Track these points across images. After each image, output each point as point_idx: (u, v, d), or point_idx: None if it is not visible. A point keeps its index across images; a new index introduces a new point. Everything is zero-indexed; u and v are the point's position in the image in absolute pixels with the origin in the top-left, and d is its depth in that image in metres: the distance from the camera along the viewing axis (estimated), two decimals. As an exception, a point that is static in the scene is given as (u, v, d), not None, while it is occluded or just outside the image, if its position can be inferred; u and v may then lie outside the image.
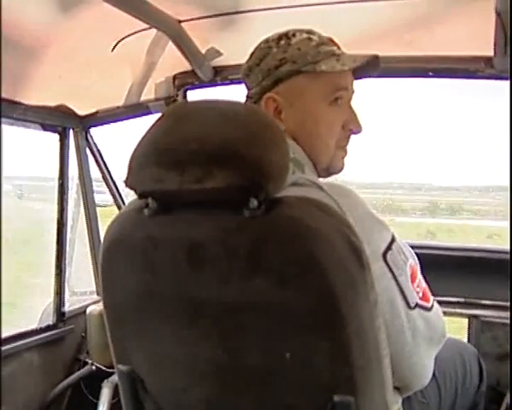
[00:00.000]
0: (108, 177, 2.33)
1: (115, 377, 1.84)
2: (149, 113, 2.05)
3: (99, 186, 2.31)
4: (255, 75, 1.15)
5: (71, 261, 2.25)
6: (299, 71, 1.11)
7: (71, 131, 2.13)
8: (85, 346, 2.19)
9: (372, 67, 1.16)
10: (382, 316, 0.90)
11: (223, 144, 0.84)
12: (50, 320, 2.12)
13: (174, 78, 1.99)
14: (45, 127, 2.02)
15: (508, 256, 1.86)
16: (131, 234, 0.95)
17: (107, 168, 2.33)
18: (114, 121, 2.16)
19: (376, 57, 1.15)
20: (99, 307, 2.07)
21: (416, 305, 1.00)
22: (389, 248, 0.99)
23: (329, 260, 0.83)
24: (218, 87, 1.99)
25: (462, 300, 1.97)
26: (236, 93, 1.20)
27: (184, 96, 2.02)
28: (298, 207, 0.86)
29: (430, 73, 1.74)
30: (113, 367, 1.08)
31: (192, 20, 1.66)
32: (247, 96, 1.18)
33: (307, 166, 1.10)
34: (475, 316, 1.95)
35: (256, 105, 1.14)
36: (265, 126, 0.87)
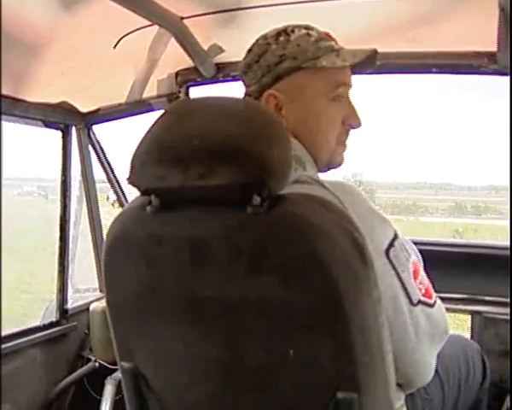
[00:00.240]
0: (111, 174, 2.33)
1: (118, 374, 1.85)
2: (152, 110, 2.05)
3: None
4: (254, 72, 1.14)
5: (74, 258, 2.26)
6: (300, 67, 1.11)
7: (73, 128, 2.13)
8: (88, 343, 2.19)
9: (370, 62, 1.15)
10: (385, 313, 0.90)
11: (225, 141, 0.84)
12: (53, 317, 2.13)
13: (176, 74, 1.99)
14: (47, 124, 2.02)
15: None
16: (134, 231, 0.95)
17: (109, 165, 2.33)
18: (117, 118, 2.16)
19: (375, 52, 1.15)
20: (102, 304, 2.08)
21: (419, 301, 1.00)
22: (392, 244, 0.99)
23: (332, 257, 0.83)
24: (221, 84, 1.99)
25: (465, 296, 1.97)
26: (239, 90, 1.20)
27: (187, 93, 2.02)
28: (301, 204, 0.86)
29: (433, 70, 1.74)
30: (116, 364, 1.08)
31: (194, 16, 1.65)
32: (246, 94, 1.17)
33: (308, 162, 1.10)
34: (478, 312, 1.94)
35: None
36: (268, 123, 0.87)
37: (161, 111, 0.93)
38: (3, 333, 1.87)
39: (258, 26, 1.18)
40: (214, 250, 0.87)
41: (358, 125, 1.17)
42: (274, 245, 0.84)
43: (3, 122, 1.80)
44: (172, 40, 1.72)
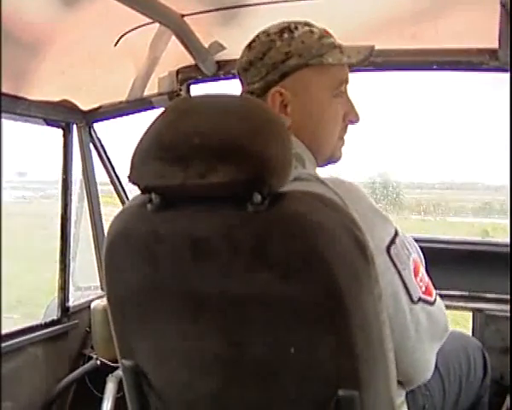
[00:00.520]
0: (112, 172, 2.34)
1: (120, 372, 1.85)
2: (153, 107, 2.05)
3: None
4: (257, 69, 1.13)
5: (75, 256, 2.26)
6: (306, 64, 1.11)
7: (74, 126, 2.13)
8: (90, 341, 2.20)
9: (368, 59, 1.16)
10: (386, 310, 0.90)
11: (226, 139, 0.84)
12: (55, 315, 2.13)
13: (177, 72, 1.99)
14: (48, 123, 2.02)
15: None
16: (135, 229, 0.95)
17: (110, 163, 2.33)
18: (118, 116, 2.16)
19: (373, 49, 1.16)
20: (103, 301, 2.08)
21: (419, 299, 1.00)
22: (393, 242, 0.99)
23: (334, 255, 0.83)
24: (222, 81, 1.98)
25: (466, 293, 1.97)
26: (240, 87, 1.19)
27: (188, 91, 2.02)
28: (302, 201, 0.86)
29: (434, 67, 1.74)
30: (117, 362, 1.08)
31: (195, 14, 1.65)
32: (247, 92, 1.15)
33: (308, 160, 1.10)
34: (479, 310, 1.94)
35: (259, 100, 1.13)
36: (268, 121, 0.87)
37: (162, 109, 0.93)
38: (5, 331, 1.88)
39: (258, 24, 1.18)
40: (215, 248, 0.87)
41: (357, 120, 1.18)
42: (275, 242, 0.84)
43: (5, 121, 1.81)
44: (173, 38, 1.72)
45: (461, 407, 1.34)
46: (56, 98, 1.96)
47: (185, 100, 1.18)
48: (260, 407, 0.95)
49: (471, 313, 1.99)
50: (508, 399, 1.76)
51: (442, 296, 1.09)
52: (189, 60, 1.88)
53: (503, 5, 1.39)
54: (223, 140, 0.84)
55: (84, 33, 1.60)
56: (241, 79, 1.18)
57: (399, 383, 1.03)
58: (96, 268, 2.31)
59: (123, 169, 2.35)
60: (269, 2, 1.56)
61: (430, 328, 1.02)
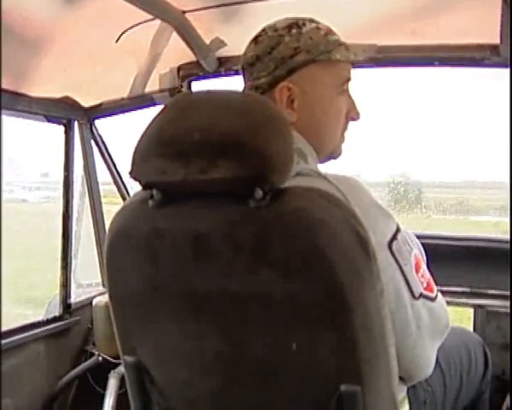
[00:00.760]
0: (113, 168, 2.34)
1: (122, 368, 1.85)
2: (154, 104, 2.05)
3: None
4: (265, 64, 1.11)
5: (77, 253, 2.26)
6: (314, 60, 1.11)
7: (76, 123, 2.13)
8: (92, 337, 2.20)
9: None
10: (388, 306, 0.90)
11: (227, 135, 0.84)
12: (57, 312, 2.13)
13: (178, 69, 1.99)
14: (50, 119, 2.02)
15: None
16: (136, 225, 0.95)
17: (112, 160, 2.33)
18: (119, 113, 2.16)
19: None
20: (105, 298, 2.08)
21: (421, 295, 1.00)
22: (394, 237, 0.99)
23: (335, 251, 0.83)
24: (223, 78, 1.98)
25: (467, 290, 1.97)
26: (241, 84, 1.19)
27: (189, 88, 2.02)
28: (303, 197, 0.86)
29: (436, 63, 1.73)
30: (119, 358, 1.08)
31: (196, 10, 1.65)
32: (253, 87, 1.13)
33: (310, 155, 1.10)
34: (481, 306, 1.94)
35: (263, 95, 1.12)
36: (270, 116, 0.87)
37: (163, 106, 0.93)
38: (6, 328, 1.88)
39: (259, 20, 1.17)
40: (216, 244, 0.87)
41: (358, 117, 1.19)
42: (276, 239, 0.84)
43: (8, 117, 1.81)
44: (174, 34, 1.72)
45: (462, 403, 1.34)
46: (58, 95, 1.96)
47: (186, 96, 1.18)
48: (260, 406, 0.95)
49: (472, 310, 1.99)
50: (508, 397, 1.76)
51: (443, 293, 1.09)
52: (190, 56, 1.87)
53: (504, 0, 1.39)
54: (224, 136, 0.84)
55: (86, 30, 1.60)
56: (244, 75, 1.17)
57: (401, 378, 1.03)
58: (98, 265, 2.31)
59: (124, 166, 2.36)
60: (270, -1, 1.56)
61: (431, 324, 1.02)
